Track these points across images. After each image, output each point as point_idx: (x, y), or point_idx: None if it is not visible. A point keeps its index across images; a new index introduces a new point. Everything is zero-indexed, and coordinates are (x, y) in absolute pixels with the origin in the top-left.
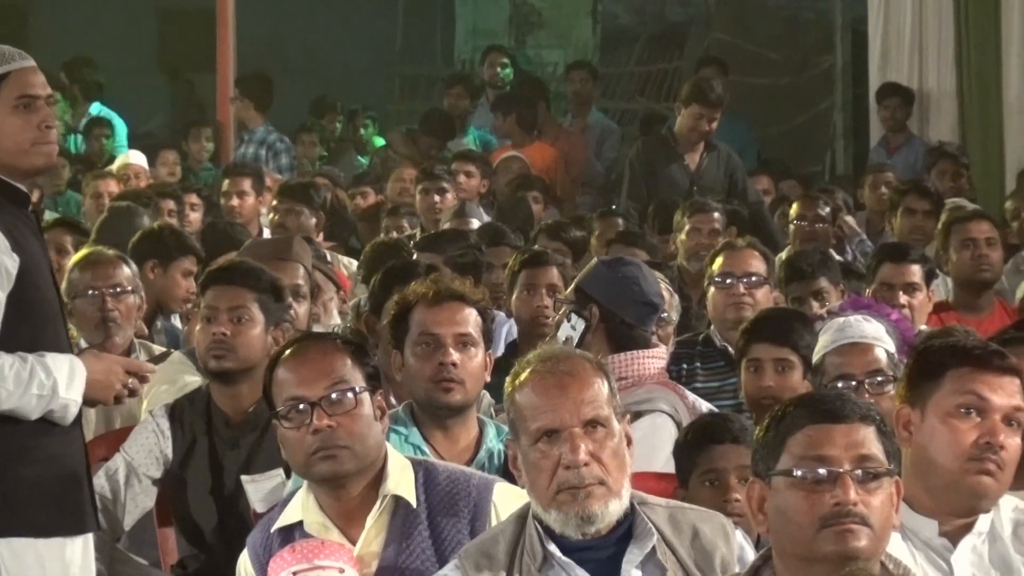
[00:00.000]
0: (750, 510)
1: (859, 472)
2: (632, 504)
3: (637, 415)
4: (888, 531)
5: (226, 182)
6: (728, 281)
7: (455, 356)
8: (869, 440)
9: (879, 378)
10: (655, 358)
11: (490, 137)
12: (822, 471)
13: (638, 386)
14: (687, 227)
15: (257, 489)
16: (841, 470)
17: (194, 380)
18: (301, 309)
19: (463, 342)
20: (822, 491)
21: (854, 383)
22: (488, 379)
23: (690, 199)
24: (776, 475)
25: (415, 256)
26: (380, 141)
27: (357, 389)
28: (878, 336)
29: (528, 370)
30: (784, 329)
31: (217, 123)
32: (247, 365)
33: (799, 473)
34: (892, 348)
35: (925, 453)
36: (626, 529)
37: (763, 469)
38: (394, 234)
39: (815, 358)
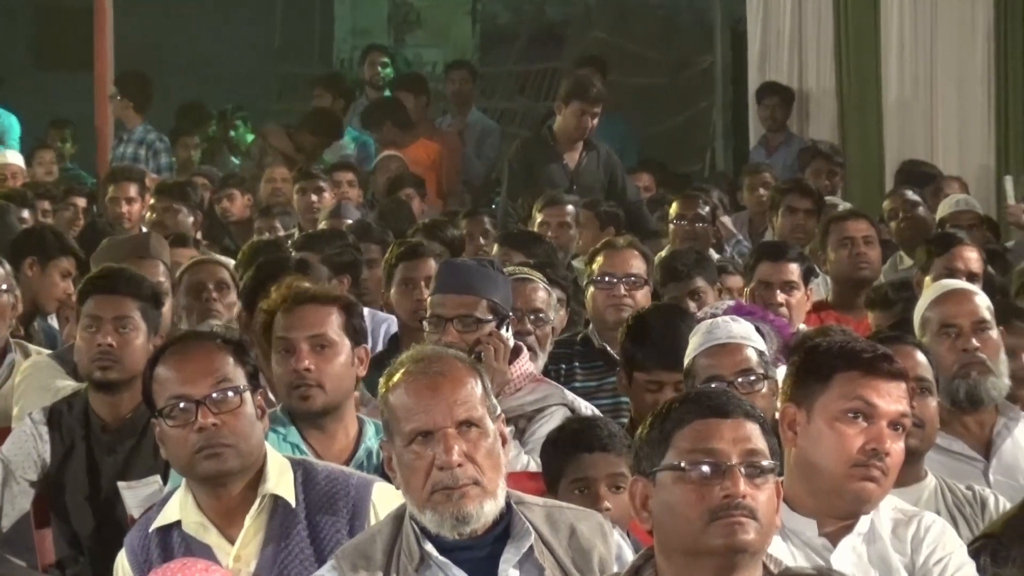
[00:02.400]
0: (634, 508)
1: (747, 466)
2: (509, 503)
3: (537, 413)
4: (773, 528)
5: (111, 188)
6: (608, 281)
7: (307, 361)
8: (755, 436)
9: (751, 377)
10: (527, 360)
11: (367, 138)
12: (711, 463)
13: (521, 388)
14: (539, 220)
15: (134, 495)
16: (730, 463)
17: (66, 384)
18: (163, 307)
19: (319, 344)
20: (711, 484)
21: (725, 384)
22: (363, 374)
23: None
24: (662, 471)
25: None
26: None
27: (240, 388)
28: (747, 336)
29: (401, 371)
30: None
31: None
32: (132, 375)
33: (687, 466)
34: (763, 347)
35: (810, 455)
36: (503, 528)
37: (647, 466)
38: (267, 235)
39: (686, 361)
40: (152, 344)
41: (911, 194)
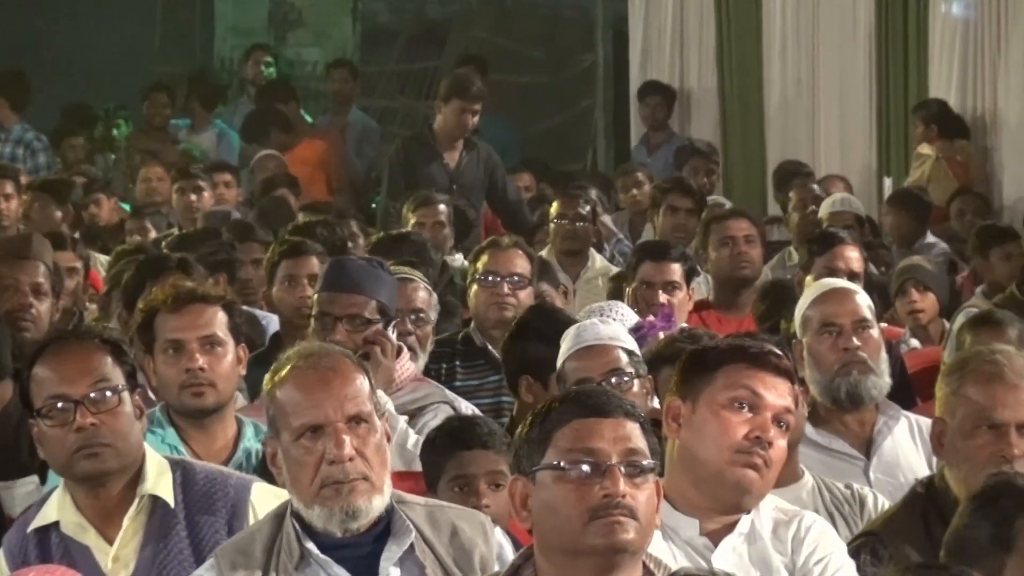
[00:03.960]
0: (513, 507)
1: (627, 466)
2: (391, 502)
3: (417, 411)
4: (653, 527)
5: None
6: (492, 280)
7: (201, 360)
8: (635, 435)
9: (624, 377)
10: (408, 360)
11: (233, 132)
12: (591, 463)
13: (402, 388)
14: (412, 221)
15: (10, 496)
16: (610, 462)
17: None
18: (43, 307)
19: (209, 343)
20: (591, 483)
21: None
22: (243, 373)
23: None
24: (542, 470)
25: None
26: None
27: (119, 387)
28: (615, 336)
29: (289, 366)
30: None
31: None
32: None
33: (567, 466)
34: (633, 347)
35: (693, 444)
36: (384, 527)
37: (527, 465)
38: (137, 237)
39: (558, 364)
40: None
41: (818, 188)
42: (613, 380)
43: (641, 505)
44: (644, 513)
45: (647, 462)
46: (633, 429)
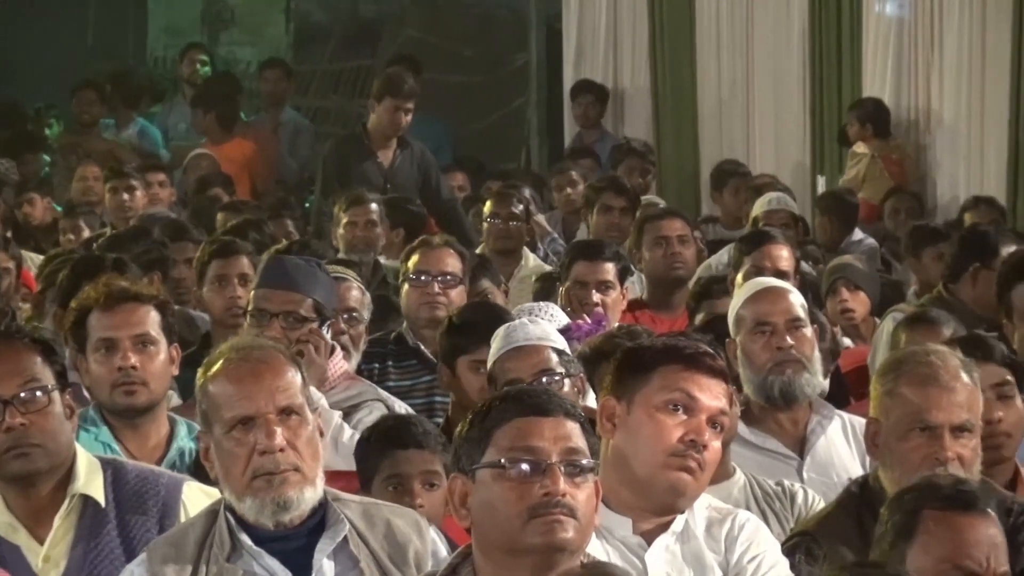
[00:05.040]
0: (452, 505)
1: (567, 465)
2: (325, 497)
3: (351, 409)
4: (592, 527)
5: None
6: (423, 279)
7: (133, 359)
8: (576, 435)
9: (555, 377)
10: (341, 358)
11: (155, 129)
12: (531, 461)
13: (335, 386)
14: (344, 220)
15: None
16: (550, 461)
17: None
18: None
19: (142, 342)
20: (531, 482)
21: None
22: (176, 372)
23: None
24: (482, 468)
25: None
26: None
27: (49, 387)
28: (545, 336)
29: (221, 360)
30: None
31: None
32: None
33: (507, 464)
34: (563, 346)
35: (627, 446)
36: (319, 520)
37: (467, 463)
38: (71, 236)
39: (488, 365)
40: None
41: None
42: (544, 380)
43: (581, 504)
44: (583, 512)
45: (587, 461)
46: (573, 428)
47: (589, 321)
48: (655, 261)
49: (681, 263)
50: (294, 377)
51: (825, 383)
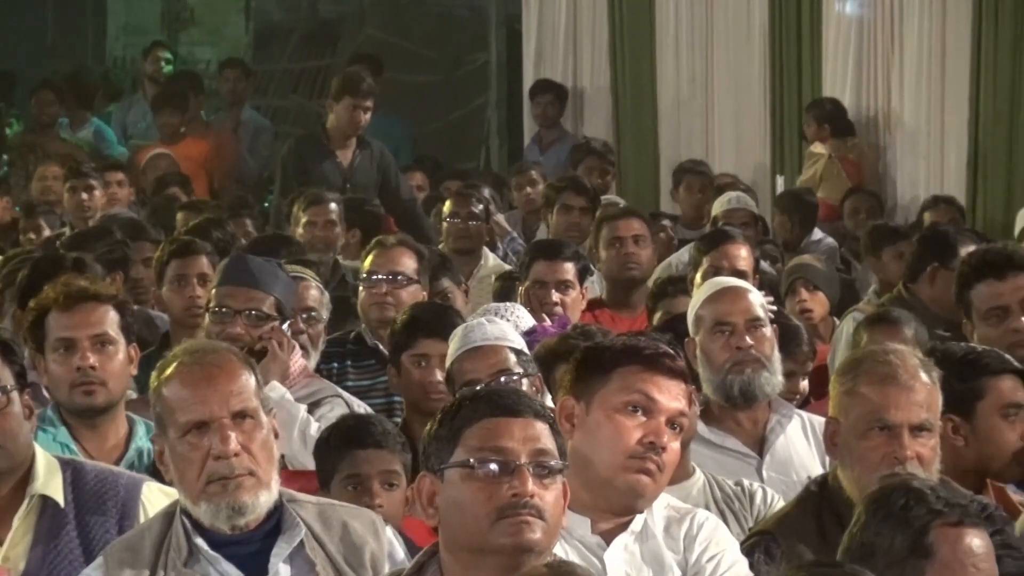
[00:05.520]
0: (420, 504)
1: (535, 466)
2: (281, 500)
3: (313, 405)
4: (559, 528)
5: None
6: (373, 279)
7: (92, 359)
8: (545, 436)
9: (513, 377)
10: (300, 356)
11: (109, 130)
12: (500, 462)
13: (295, 384)
14: (304, 220)
15: None
16: (519, 462)
17: None
18: None
19: (100, 342)
20: (499, 482)
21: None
22: (135, 372)
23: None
24: (450, 467)
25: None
26: None
27: (8, 387)
28: (502, 336)
29: (175, 364)
30: (448, 323)
31: None
32: None
33: (476, 464)
34: (521, 346)
35: (586, 447)
36: (275, 524)
37: (435, 463)
38: (32, 236)
39: (447, 365)
40: None
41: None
42: (502, 380)
43: (548, 506)
44: (551, 514)
45: (555, 463)
46: (543, 429)
47: (552, 324)
48: (610, 261)
49: (635, 263)
50: (248, 380)
51: (804, 383)
